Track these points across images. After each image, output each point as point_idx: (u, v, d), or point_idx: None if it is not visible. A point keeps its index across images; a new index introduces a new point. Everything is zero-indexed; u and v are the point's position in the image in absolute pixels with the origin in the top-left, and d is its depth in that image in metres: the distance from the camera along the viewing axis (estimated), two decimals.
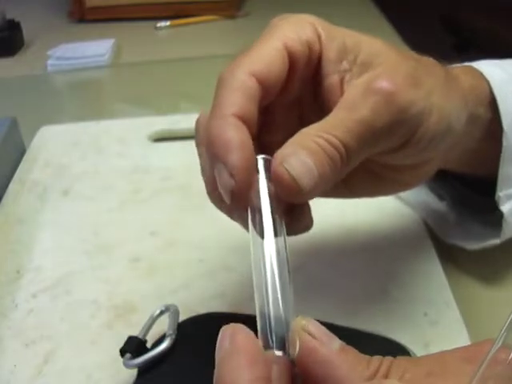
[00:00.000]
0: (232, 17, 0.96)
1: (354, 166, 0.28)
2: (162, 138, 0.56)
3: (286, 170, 0.25)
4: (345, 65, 0.28)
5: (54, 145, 0.55)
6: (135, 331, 0.32)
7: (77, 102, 0.74)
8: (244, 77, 0.26)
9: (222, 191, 0.26)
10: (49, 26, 0.96)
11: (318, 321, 0.22)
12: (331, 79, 0.28)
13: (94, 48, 0.83)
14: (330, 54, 0.28)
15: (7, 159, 0.52)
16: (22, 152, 0.55)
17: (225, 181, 0.25)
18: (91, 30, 0.94)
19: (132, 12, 0.96)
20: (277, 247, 0.24)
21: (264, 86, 0.27)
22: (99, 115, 0.63)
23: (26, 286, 0.40)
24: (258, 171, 0.26)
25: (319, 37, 0.28)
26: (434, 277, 0.38)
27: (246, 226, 0.27)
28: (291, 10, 1.00)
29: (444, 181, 0.42)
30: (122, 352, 0.31)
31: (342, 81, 0.28)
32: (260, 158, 0.26)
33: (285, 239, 0.25)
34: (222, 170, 0.25)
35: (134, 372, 0.31)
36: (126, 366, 0.31)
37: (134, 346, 0.31)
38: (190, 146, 0.57)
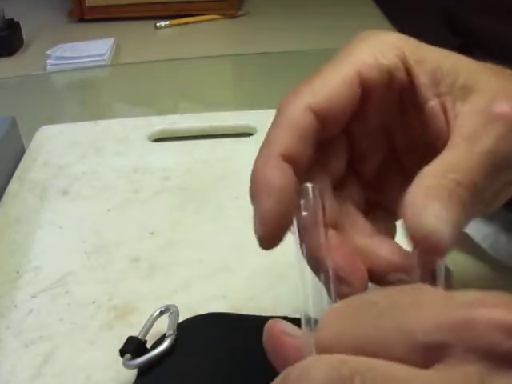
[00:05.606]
0: (232, 16, 0.96)
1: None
2: (161, 138, 0.56)
3: (426, 230, 0.22)
4: (443, 88, 0.26)
5: (53, 145, 0.55)
6: (135, 331, 0.32)
7: (76, 102, 0.74)
8: (300, 112, 0.25)
9: (254, 233, 0.24)
10: (48, 25, 0.96)
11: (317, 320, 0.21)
12: (431, 105, 0.26)
13: (93, 47, 0.83)
14: (423, 78, 0.26)
15: (7, 159, 0.52)
16: (22, 152, 0.54)
17: (255, 226, 0.24)
18: (91, 29, 0.94)
19: (132, 11, 0.96)
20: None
21: (323, 119, 0.25)
22: (99, 115, 0.63)
23: (26, 286, 0.39)
24: (307, 198, 0.25)
25: (405, 61, 0.26)
26: None
27: None
28: (291, 9, 1.01)
29: None
30: (122, 352, 0.31)
31: (443, 106, 0.26)
32: (307, 186, 0.25)
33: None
34: (255, 215, 0.24)
35: (134, 372, 0.31)
36: (126, 366, 0.31)
37: (133, 347, 0.31)
38: (190, 146, 0.58)
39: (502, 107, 0.25)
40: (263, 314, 0.33)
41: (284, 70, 0.76)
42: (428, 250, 0.23)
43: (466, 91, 0.26)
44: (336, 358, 0.18)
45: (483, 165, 0.24)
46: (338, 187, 0.28)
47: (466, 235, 0.39)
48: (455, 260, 0.39)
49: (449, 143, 0.25)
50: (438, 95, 0.26)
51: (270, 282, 0.38)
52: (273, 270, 0.38)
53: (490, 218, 0.41)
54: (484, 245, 0.41)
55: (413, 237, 0.22)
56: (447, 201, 0.23)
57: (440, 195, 0.23)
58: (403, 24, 0.85)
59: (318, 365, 0.18)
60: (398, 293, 0.20)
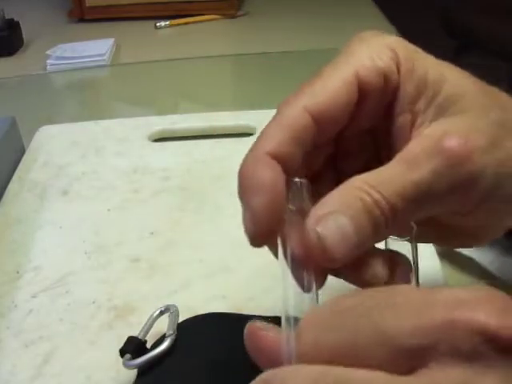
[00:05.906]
0: (232, 16, 0.96)
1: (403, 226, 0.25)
2: (161, 137, 0.56)
3: (318, 236, 0.22)
4: (421, 103, 0.25)
5: (53, 145, 0.55)
6: (135, 331, 0.32)
7: (76, 102, 0.74)
8: (296, 113, 0.25)
9: (244, 230, 0.24)
10: (48, 25, 0.96)
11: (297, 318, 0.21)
12: (403, 118, 0.26)
13: (93, 47, 0.83)
14: (408, 88, 0.26)
15: (6, 159, 0.52)
16: (22, 152, 0.54)
17: (246, 223, 0.24)
18: (91, 29, 0.94)
19: (132, 11, 0.96)
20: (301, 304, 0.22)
21: (320, 121, 0.25)
22: (99, 115, 0.63)
23: (26, 286, 0.39)
24: (295, 193, 0.25)
25: (398, 66, 0.26)
26: (433, 277, 0.38)
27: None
28: (291, 9, 1.01)
29: None
30: (122, 352, 0.31)
31: (413, 123, 0.26)
32: (296, 181, 0.25)
33: (316, 294, 0.23)
34: (245, 212, 0.24)
35: (134, 372, 0.31)
36: (126, 366, 0.31)
37: (133, 347, 0.31)
38: (190, 146, 0.57)
39: (450, 142, 0.24)
40: (263, 314, 0.33)
41: (284, 70, 0.76)
42: (317, 256, 0.22)
43: (441, 110, 0.25)
44: (316, 369, 0.18)
45: (410, 193, 0.23)
46: (313, 182, 0.27)
47: (474, 261, 0.40)
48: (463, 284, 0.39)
49: (392, 159, 0.24)
50: (413, 111, 0.26)
51: (270, 282, 0.38)
52: (273, 270, 0.38)
53: (490, 244, 0.42)
54: (491, 268, 0.41)
55: (306, 238, 0.22)
56: (357, 214, 0.22)
57: (352, 206, 0.23)
58: (403, 24, 0.85)
59: (298, 375, 0.18)
60: (375, 293, 0.19)
